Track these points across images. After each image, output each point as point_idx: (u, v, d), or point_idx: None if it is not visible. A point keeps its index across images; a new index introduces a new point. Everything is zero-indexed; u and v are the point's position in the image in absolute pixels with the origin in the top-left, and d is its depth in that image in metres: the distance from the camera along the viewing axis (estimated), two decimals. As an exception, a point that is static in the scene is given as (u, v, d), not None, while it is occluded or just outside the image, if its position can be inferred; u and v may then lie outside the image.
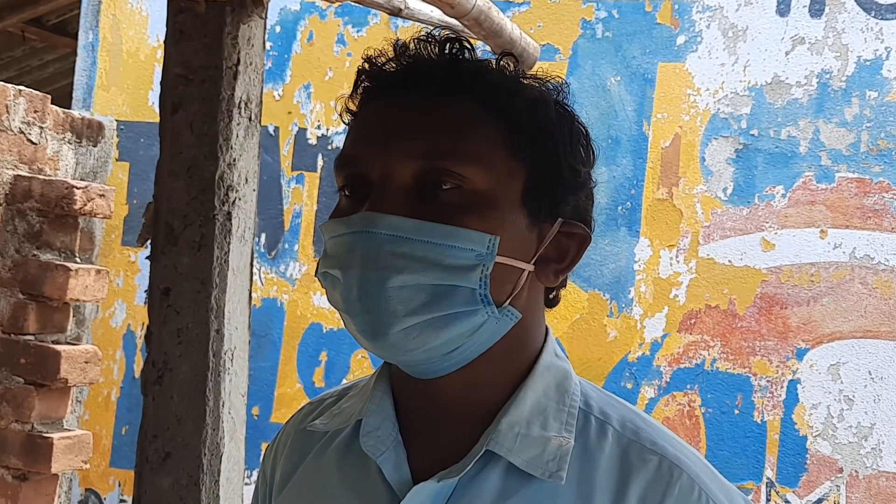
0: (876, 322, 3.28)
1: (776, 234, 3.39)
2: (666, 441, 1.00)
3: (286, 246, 3.96)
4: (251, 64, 2.24)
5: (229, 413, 2.22)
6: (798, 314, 3.36)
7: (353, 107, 1.03)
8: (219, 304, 2.20)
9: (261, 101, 2.31)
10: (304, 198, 3.95)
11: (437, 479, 0.96)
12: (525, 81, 1.01)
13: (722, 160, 3.47)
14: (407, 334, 0.94)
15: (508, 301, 0.97)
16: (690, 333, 3.46)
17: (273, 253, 3.96)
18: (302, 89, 3.98)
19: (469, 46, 1.00)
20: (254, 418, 3.90)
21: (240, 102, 2.22)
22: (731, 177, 3.46)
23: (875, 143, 3.31)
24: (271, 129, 3.98)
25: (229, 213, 2.20)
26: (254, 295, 3.92)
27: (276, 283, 3.95)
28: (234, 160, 2.21)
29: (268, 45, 3.98)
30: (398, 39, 1.01)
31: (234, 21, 2.19)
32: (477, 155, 0.95)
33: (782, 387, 3.36)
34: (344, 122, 1.04)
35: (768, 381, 3.37)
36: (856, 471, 3.27)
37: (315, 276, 1.01)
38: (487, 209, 0.95)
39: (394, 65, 1.00)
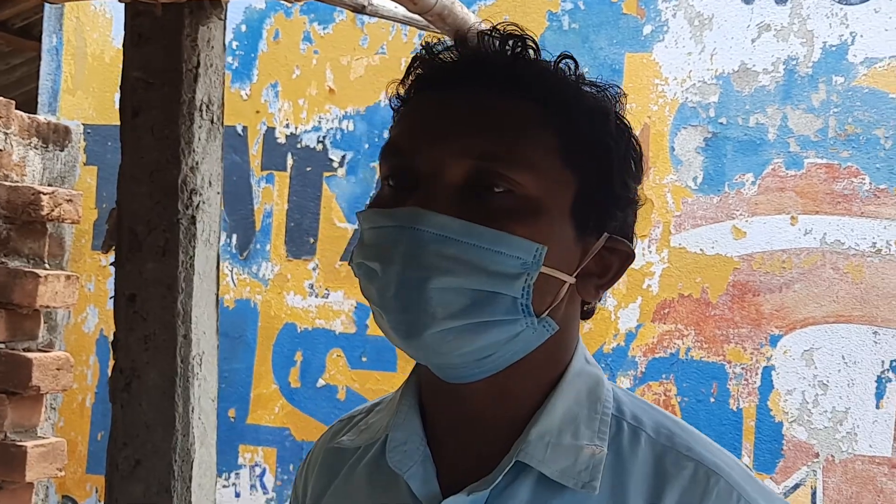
0: (848, 307, 3.29)
1: (747, 221, 3.40)
2: (702, 446, 0.97)
3: (258, 246, 3.93)
4: (211, 66, 2.22)
5: (199, 418, 2.21)
6: (771, 301, 3.37)
7: (402, 91, 0.99)
8: (185, 309, 2.18)
9: (223, 103, 2.29)
10: (274, 197, 3.93)
11: (466, 492, 0.94)
12: (585, 87, 0.97)
13: (691, 149, 3.48)
14: (442, 337, 0.91)
15: (547, 312, 0.94)
16: (664, 323, 3.47)
17: (245, 254, 3.94)
18: (269, 88, 3.95)
19: (533, 46, 0.96)
20: (230, 420, 3.88)
21: (201, 105, 2.19)
22: (700, 165, 3.46)
23: (843, 129, 3.32)
24: (239, 129, 3.95)
25: (193, 218, 2.18)
26: (227, 296, 3.91)
27: (249, 284, 3.93)
28: (197, 163, 2.19)
29: (234, 44, 3.96)
30: (459, 30, 0.98)
31: (193, 23, 2.17)
32: (532, 161, 0.92)
33: (757, 374, 3.37)
34: (392, 107, 1.00)
35: (743, 368, 3.38)
36: (832, 455, 3.28)
37: (349, 263, 0.97)
38: (537, 217, 0.92)
39: (453, 55, 0.96)
